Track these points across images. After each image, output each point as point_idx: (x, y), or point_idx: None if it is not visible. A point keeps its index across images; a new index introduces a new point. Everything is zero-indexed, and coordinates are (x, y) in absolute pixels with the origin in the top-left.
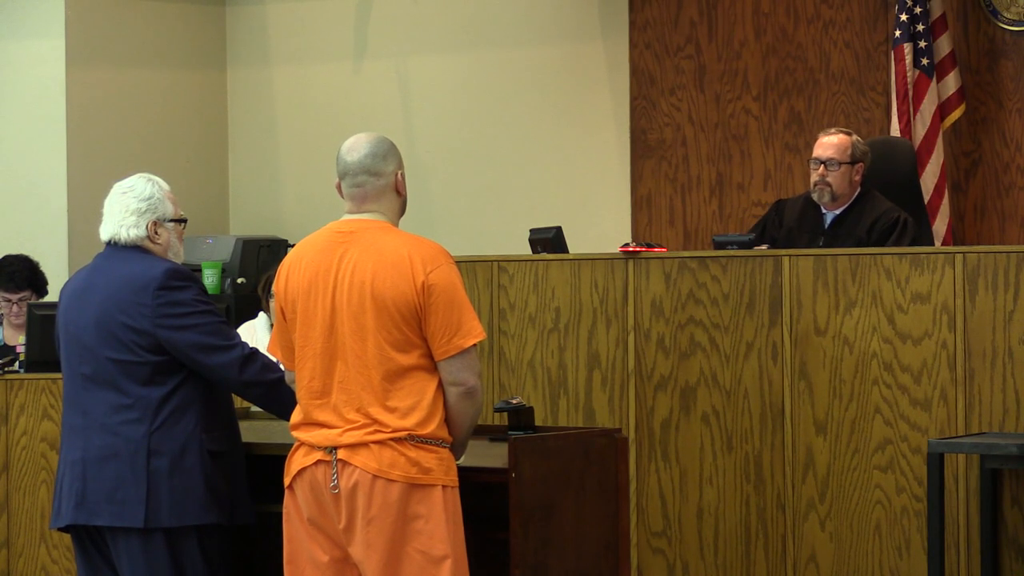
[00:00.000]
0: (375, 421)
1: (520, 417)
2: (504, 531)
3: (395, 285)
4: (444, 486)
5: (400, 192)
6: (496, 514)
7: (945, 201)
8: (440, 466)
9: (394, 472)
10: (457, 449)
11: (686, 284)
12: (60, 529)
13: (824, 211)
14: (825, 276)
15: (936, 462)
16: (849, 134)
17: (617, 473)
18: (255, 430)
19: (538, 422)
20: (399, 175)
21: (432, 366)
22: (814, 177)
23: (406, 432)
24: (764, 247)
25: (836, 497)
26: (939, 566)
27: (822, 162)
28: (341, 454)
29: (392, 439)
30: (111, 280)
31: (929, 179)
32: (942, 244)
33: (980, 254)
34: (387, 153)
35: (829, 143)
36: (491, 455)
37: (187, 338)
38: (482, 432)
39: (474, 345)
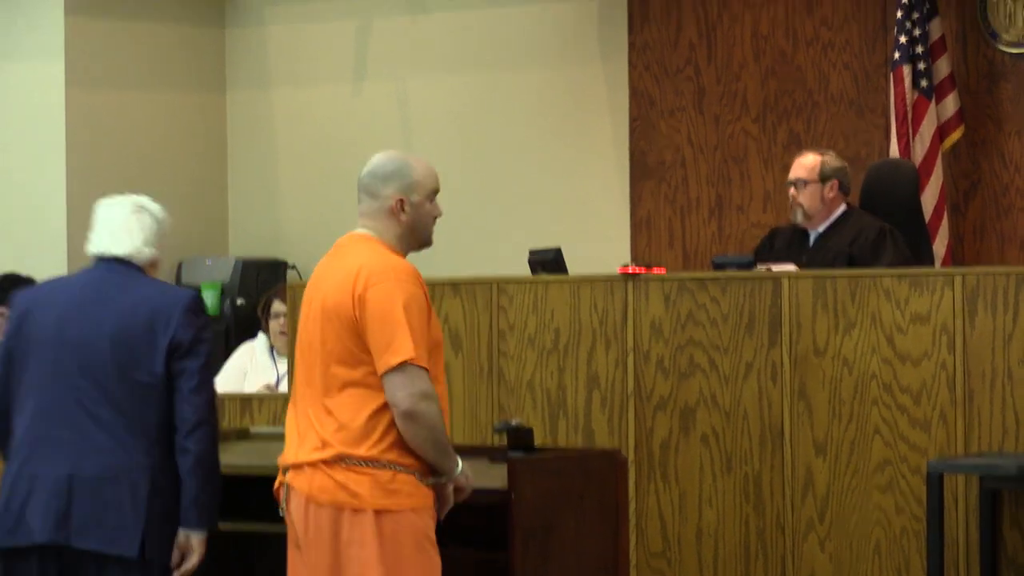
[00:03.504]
0: (318, 438)
1: (519, 438)
2: (504, 552)
3: (337, 296)
4: (379, 511)
5: (399, 218)
6: (496, 535)
7: (944, 222)
8: (374, 490)
9: (323, 496)
10: (442, 471)
11: (685, 305)
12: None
13: (809, 232)
14: (824, 297)
15: (935, 483)
16: (822, 153)
17: (616, 494)
18: (255, 451)
19: (537, 443)
20: (399, 201)
21: (379, 384)
22: (789, 199)
23: (335, 453)
24: (764, 268)
25: (836, 517)
26: None
27: (792, 183)
28: (288, 475)
29: (323, 460)
30: (130, 296)
31: (928, 200)
32: (941, 265)
33: (979, 275)
34: (389, 176)
35: (799, 164)
36: (491, 475)
37: (193, 365)
38: (482, 453)
39: (414, 365)
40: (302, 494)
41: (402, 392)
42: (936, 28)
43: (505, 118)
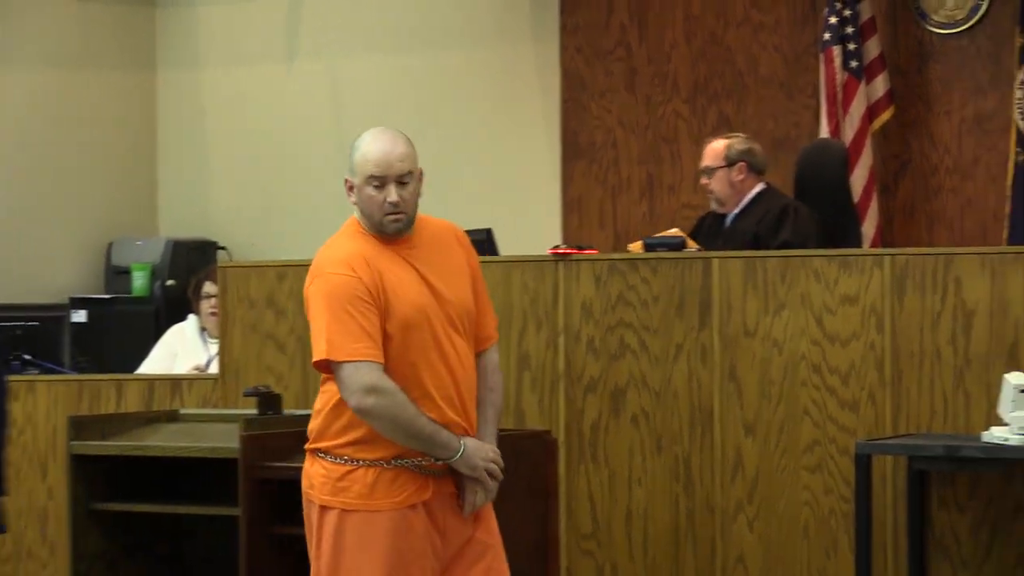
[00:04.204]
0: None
1: None
2: None
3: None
4: (324, 507)
5: (351, 200)
6: None
7: (874, 203)
8: (324, 485)
9: (301, 484)
10: (439, 459)
11: (616, 286)
12: None
13: (726, 215)
14: (755, 278)
15: (864, 463)
16: (728, 137)
17: (546, 475)
18: (184, 433)
19: None
20: (345, 181)
21: None
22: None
23: (308, 445)
24: (694, 249)
25: (764, 498)
26: (866, 567)
27: (702, 171)
28: None
29: (306, 450)
30: None
31: (858, 181)
32: (871, 246)
33: (908, 256)
34: (348, 156)
35: (706, 152)
36: None
37: None
38: None
39: (345, 362)
40: None
41: (344, 392)
42: (866, 8)
43: (437, 99)
